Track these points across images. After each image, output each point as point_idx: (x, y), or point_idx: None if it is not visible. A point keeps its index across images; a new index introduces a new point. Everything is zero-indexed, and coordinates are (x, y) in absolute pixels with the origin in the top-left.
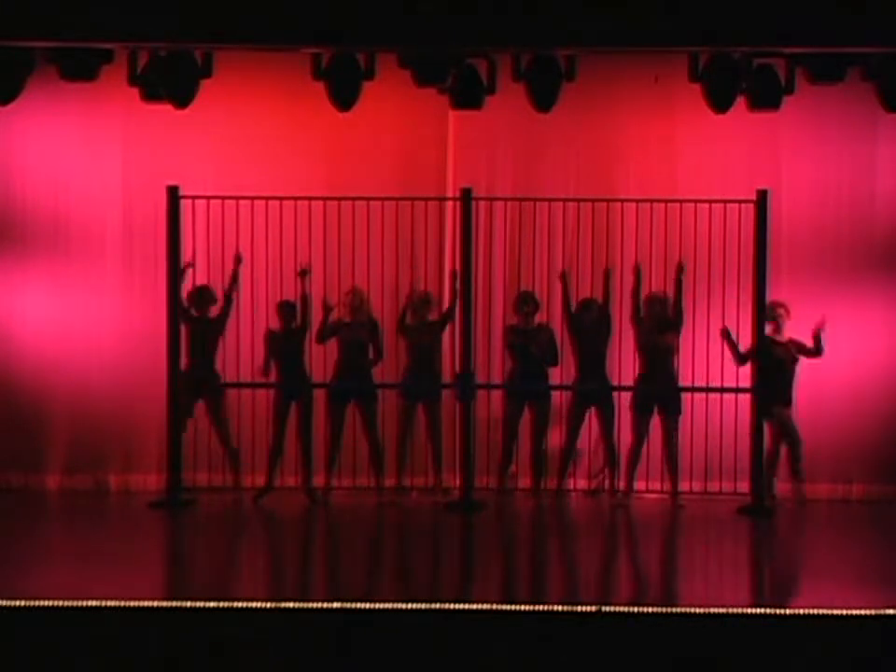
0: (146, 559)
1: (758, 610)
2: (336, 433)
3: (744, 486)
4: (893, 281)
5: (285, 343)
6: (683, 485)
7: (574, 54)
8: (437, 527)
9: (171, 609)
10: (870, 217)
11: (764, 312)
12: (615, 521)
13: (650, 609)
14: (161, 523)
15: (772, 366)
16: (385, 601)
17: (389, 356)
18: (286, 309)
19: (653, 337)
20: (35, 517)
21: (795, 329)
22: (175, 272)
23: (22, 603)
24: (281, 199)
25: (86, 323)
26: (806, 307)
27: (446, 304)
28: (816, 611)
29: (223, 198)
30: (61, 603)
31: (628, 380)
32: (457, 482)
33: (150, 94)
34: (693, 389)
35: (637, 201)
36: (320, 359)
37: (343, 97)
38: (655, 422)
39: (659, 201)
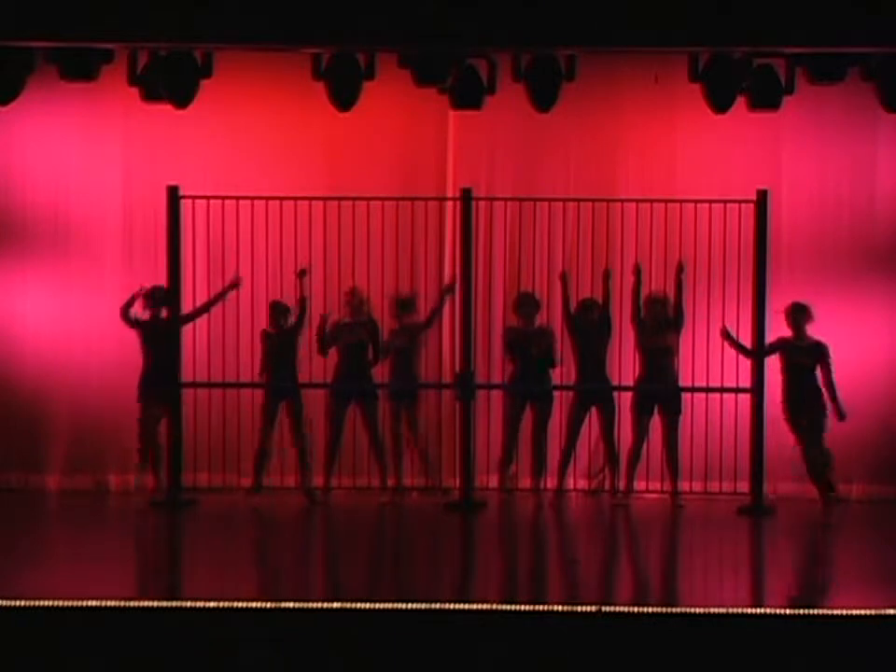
0: (145, 559)
1: (758, 610)
2: (336, 433)
3: (744, 486)
4: (893, 281)
5: (276, 343)
6: (683, 485)
7: (574, 54)
8: (437, 527)
9: (171, 608)
10: (870, 216)
11: (764, 312)
12: (615, 521)
13: (650, 609)
14: (161, 523)
15: (793, 371)
16: (384, 601)
17: None
18: (277, 309)
19: (653, 337)
20: (34, 517)
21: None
22: (176, 272)
23: (22, 603)
24: (281, 199)
25: (86, 323)
26: None
27: (431, 308)
28: (816, 611)
29: (223, 198)
30: (61, 603)
31: (628, 380)
32: (457, 482)
33: (150, 94)
34: (693, 389)
35: (637, 201)
36: (320, 359)
37: (343, 97)
38: (655, 422)
39: (659, 201)
